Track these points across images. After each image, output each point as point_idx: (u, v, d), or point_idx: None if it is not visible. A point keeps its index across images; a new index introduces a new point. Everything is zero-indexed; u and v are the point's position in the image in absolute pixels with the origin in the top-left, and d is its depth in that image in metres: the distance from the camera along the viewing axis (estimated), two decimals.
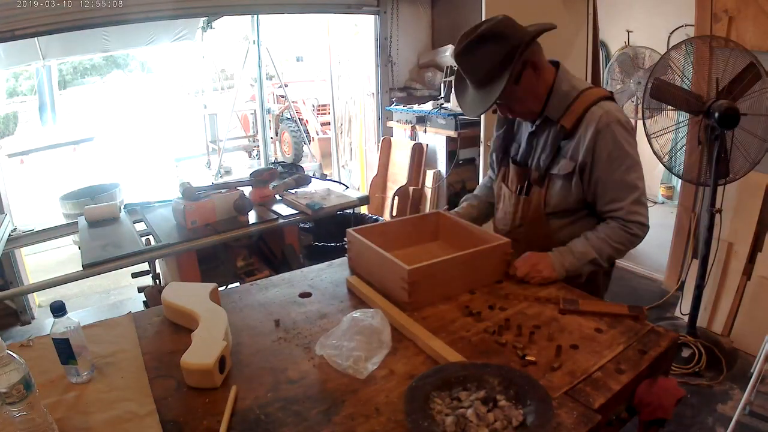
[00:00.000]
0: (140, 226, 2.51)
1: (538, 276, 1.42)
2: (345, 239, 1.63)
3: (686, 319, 2.65)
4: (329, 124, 6.30)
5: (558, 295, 1.38)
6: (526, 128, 1.57)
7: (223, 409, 0.96)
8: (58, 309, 1.05)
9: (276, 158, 7.67)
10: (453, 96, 4.12)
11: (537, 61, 1.41)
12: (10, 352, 0.86)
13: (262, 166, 4.93)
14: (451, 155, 4.14)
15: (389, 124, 4.75)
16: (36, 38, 4.01)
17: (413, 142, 4.35)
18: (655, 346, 1.15)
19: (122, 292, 3.87)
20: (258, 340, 1.24)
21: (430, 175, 4.29)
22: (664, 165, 2.55)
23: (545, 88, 1.45)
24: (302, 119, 8.04)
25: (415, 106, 4.44)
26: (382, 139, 4.73)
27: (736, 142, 2.33)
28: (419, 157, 4.36)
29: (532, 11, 3.36)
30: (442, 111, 4.12)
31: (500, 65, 1.34)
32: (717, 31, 2.76)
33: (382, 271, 1.42)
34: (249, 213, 2.40)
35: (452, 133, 3.99)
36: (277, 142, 8.23)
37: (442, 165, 4.24)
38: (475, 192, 1.88)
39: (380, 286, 1.43)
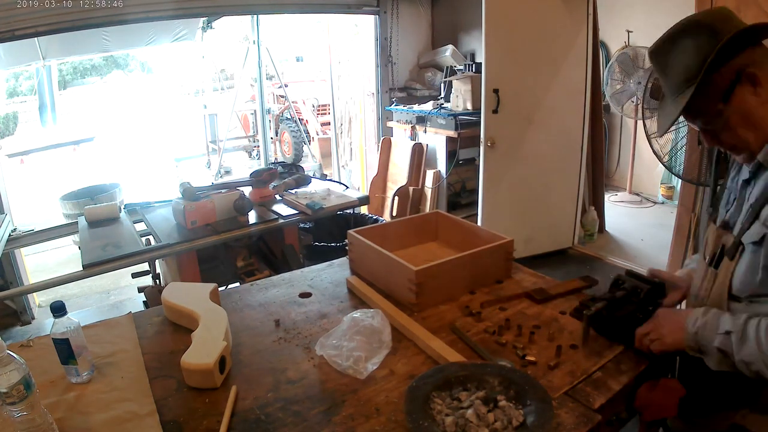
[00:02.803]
0: (140, 226, 2.51)
1: (658, 341, 1.08)
2: (345, 239, 1.63)
3: None
4: (329, 124, 6.30)
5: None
6: (745, 174, 1.11)
7: (223, 409, 0.97)
8: (58, 309, 1.05)
9: (276, 158, 7.67)
10: (453, 96, 4.12)
11: (760, 75, 0.98)
12: (10, 352, 0.86)
13: (262, 166, 4.93)
14: (451, 155, 4.14)
15: (389, 124, 4.75)
16: (36, 38, 4.00)
17: (413, 142, 4.34)
18: None
19: (122, 292, 3.86)
20: (258, 340, 1.24)
21: (430, 175, 4.29)
22: (664, 165, 2.55)
23: None
24: (302, 119, 8.03)
25: (415, 106, 4.44)
26: (382, 139, 4.72)
27: None
28: (419, 157, 4.36)
29: (532, 11, 3.37)
30: (442, 111, 4.12)
31: (698, 67, 1.00)
32: None
33: (386, 273, 1.42)
34: (249, 213, 2.40)
35: (452, 133, 3.99)
36: (277, 142, 8.23)
37: (442, 165, 4.23)
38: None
39: (385, 288, 1.43)
